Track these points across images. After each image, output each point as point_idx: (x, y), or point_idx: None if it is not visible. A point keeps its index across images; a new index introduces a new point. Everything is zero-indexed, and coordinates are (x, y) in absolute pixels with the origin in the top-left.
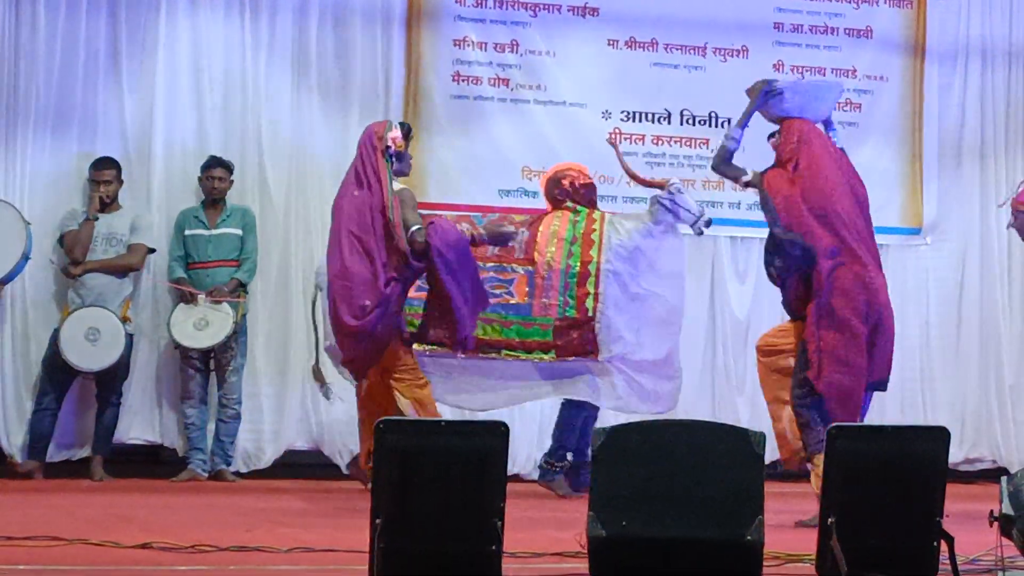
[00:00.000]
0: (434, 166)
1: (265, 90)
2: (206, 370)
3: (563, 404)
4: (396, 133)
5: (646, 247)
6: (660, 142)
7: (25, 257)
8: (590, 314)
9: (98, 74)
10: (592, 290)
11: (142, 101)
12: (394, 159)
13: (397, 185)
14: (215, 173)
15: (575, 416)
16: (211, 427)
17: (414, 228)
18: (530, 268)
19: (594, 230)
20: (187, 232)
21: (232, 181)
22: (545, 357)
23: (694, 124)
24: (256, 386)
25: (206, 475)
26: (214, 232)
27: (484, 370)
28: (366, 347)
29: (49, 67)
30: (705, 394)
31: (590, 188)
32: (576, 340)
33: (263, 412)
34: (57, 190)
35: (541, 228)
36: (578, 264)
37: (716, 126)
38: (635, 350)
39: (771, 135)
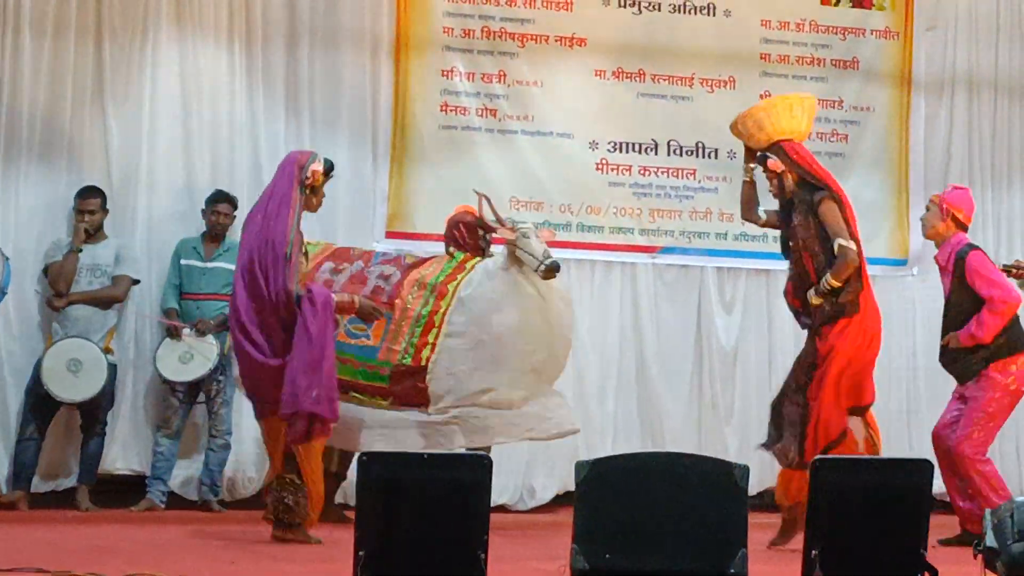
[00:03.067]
0: (422, 196)
1: (254, 118)
2: (191, 402)
3: None
4: (317, 167)
5: (491, 293)
6: (647, 172)
7: (2, 292)
8: (423, 364)
9: (85, 104)
10: (431, 340)
11: (129, 131)
12: (308, 191)
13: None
14: (220, 208)
15: None
16: (196, 458)
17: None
18: (389, 313)
19: (455, 279)
20: (183, 262)
21: (235, 216)
22: (383, 403)
23: (681, 155)
24: (240, 415)
25: (163, 505)
26: (209, 265)
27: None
28: (265, 386)
29: (35, 97)
30: (692, 425)
31: (470, 229)
32: (409, 389)
33: (246, 442)
34: (43, 220)
35: (413, 274)
36: (428, 313)
37: (703, 156)
38: (469, 393)
39: (761, 161)
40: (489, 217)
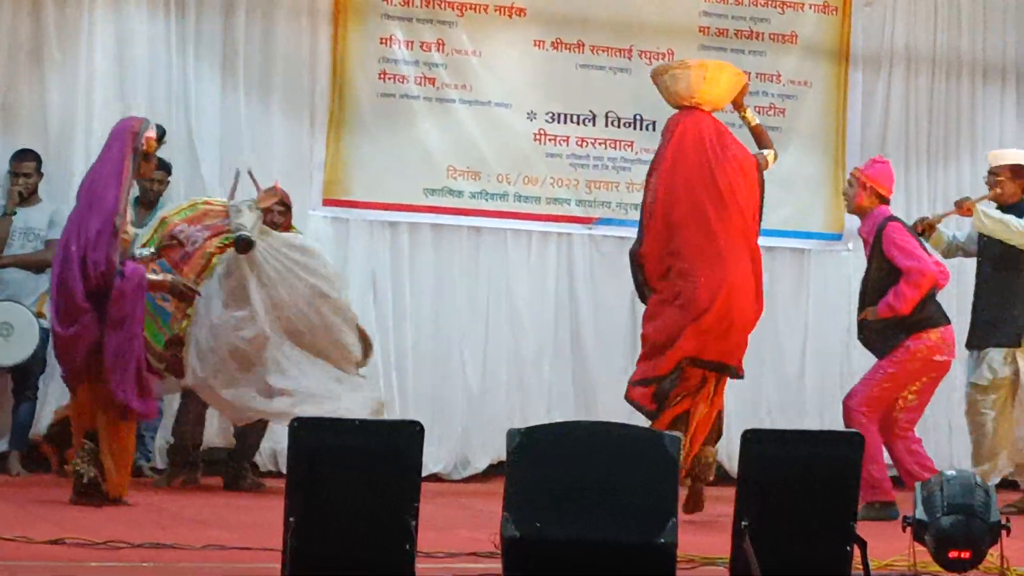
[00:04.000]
0: (359, 164)
1: (191, 87)
2: None
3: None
4: (151, 133)
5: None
6: (585, 144)
7: None
8: (181, 334)
9: (20, 67)
10: (190, 312)
11: (65, 95)
12: (141, 160)
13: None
14: (155, 175)
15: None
16: None
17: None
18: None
19: (222, 251)
20: None
21: (169, 182)
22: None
23: (619, 126)
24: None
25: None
26: (141, 231)
27: None
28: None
29: None
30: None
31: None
32: (170, 358)
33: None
34: None
35: (211, 240)
36: (194, 281)
37: (641, 129)
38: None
39: None
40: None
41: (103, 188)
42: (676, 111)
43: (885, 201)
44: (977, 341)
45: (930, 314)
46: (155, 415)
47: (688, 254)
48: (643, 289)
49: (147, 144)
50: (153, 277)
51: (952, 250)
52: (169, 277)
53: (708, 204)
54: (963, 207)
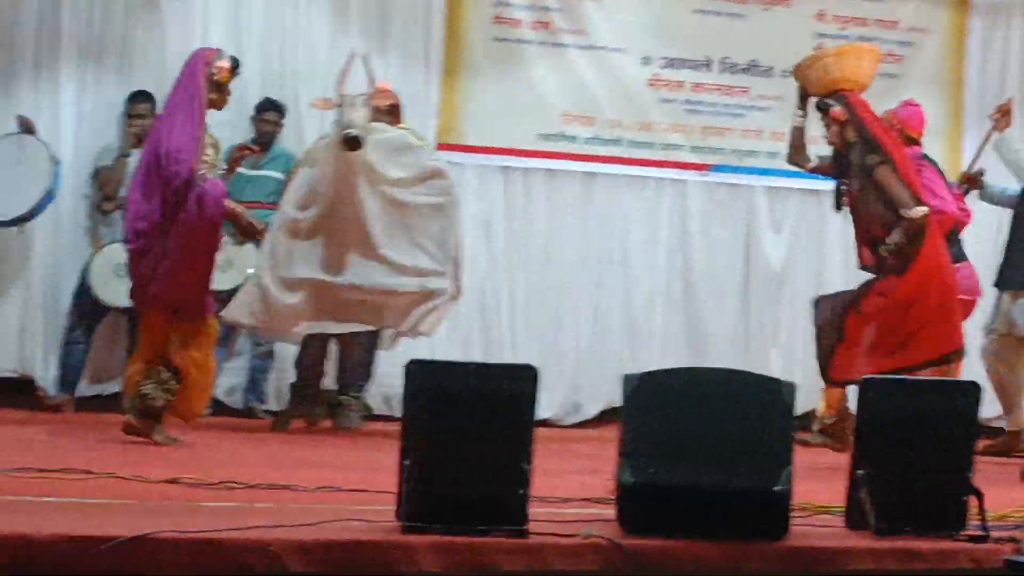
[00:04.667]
0: (473, 109)
1: (305, 29)
2: None
3: None
4: (224, 63)
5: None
6: (699, 89)
7: (49, 195)
8: None
9: (137, 9)
10: None
11: (181, 37)
12: (215, 89)
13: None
14: (268, 116)
15: None
16: (243, 364)
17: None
18: None
19: None
20: None
21: (283, 125)
22: None
23: (734, 72)
24: None
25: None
26: (254, 173)
27: None
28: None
29: (89, 1)
30: (737, 344)
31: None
32: None
33: (289, 350)
34: (95, 124)
35: None
36: None
37: (756, 74)
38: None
39: (820, 107)
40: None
41: (182, 111)
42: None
43: (915, 142)
44: (1005, 283)
45: (952, 255)
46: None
47: None
48: None
49: (220, 73)
50: (232, 205)
51: (1004, 202)
52: (241, 208)
53: None
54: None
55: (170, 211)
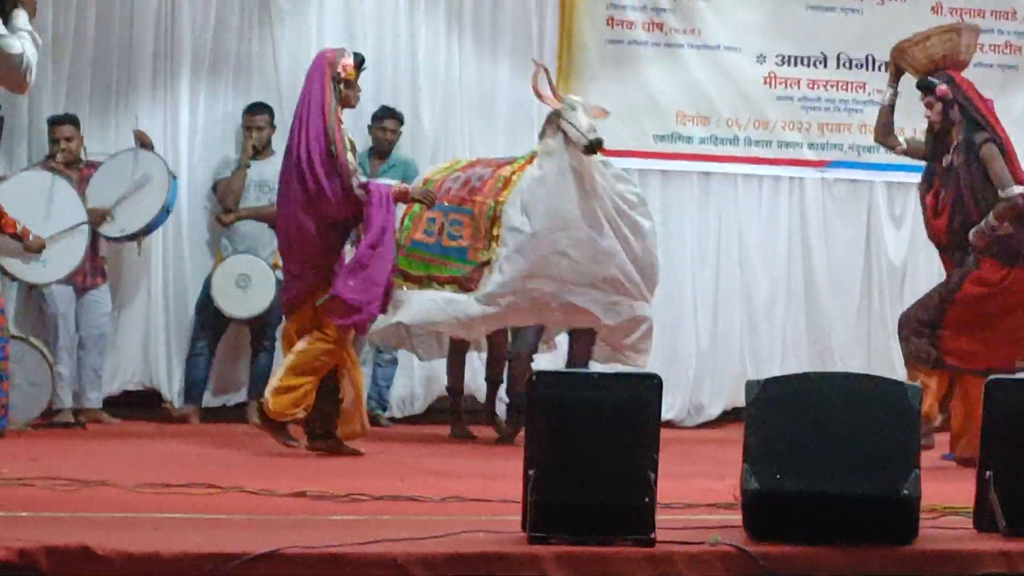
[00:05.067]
0: None
1: (417, 37)
2: None
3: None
4: (348, 60)
5: (538, 188)
6: (815, 86)
7: (166, 210)
8: (493, 256)
9: (253, 21)
10: (497, 232)
11: (295, 47)
12: (342, 87)
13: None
14: (387, 124)
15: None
16: (367, 372)
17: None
18: (471, 210)
19: (524, 169)
20: None
21: (400, 132)
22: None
23: (850, 68)
24: None
25: None
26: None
27: None
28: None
29: (205, 14)
30: (860, 341)
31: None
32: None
33: (413, 358)
34: (212, 137)
35: (498, 171)
36: (494, 203)
37: (873, 70)
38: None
39: (925, 87)
40: (545, 90)
41: (313, 121)
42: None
43: None
44: None
45: None
46: (364, 328)
47: None
48: None
49: (345, 71)
50: (394, 188)
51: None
52: (406, 185)
53: None
54: None
55: (329, 224)
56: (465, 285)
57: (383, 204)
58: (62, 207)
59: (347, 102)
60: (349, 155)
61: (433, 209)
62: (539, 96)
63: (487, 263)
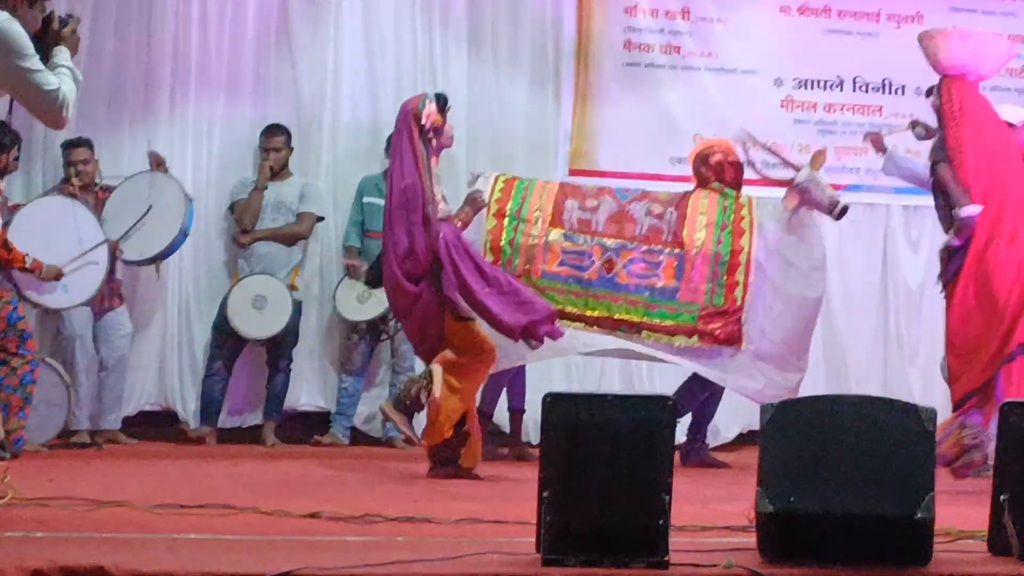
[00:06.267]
0: (604, 134)
1: (435, 58)
2: (374, 340)
3: (691, 378)
4: (431, 108)
5: (787, 240)
6: (832, 110)
7: (183, 233)
8: (738, 304)
9: (270, 42)
10: (741, 280)
11: (314, 69)
12: (432, 135)
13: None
14: None
15: (699, 392)
16: (379, 394)
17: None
18: (678, 251)
19: (743, 217)
20: (365, 199)
21: None
22: (688, 342)
23: (867, 91)
24: None
25: (347, 441)
26: None
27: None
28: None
29: (220, 35)
30: (876, 365)
31: (737, 169)
32: (720, 329)
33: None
34: (229, 158)
35: (689, 210)
36: (728, 252)
37: (889, 93)
38: (772, 342)
39: (928, 91)
40: (753, 155)
41: (407, 177)
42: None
43: None
44: None
45: None
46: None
47: None
48: None
49: (430, 120)
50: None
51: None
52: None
53: None
54: None
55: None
56: (711, 334)
57: (455, 243)
58: (84, 231)
59: (440, 147)
60: (442, 205)
61: (569, 239)
62: (777, 155)
63: (721, 309)
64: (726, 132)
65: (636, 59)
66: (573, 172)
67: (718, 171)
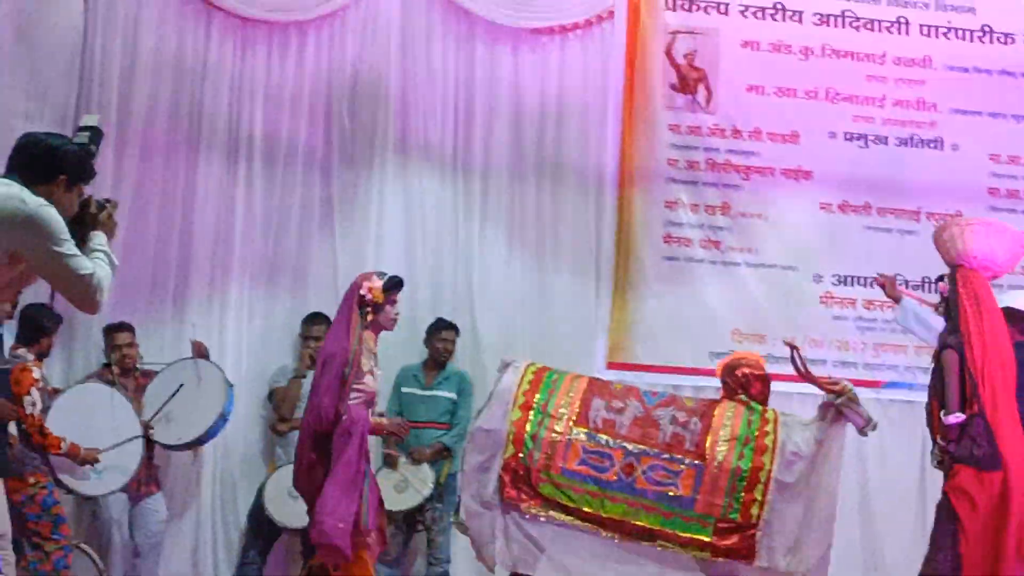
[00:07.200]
0: (643, 327)
1: (476, 249)
2: (409, 530)
3: None
4: (374, 283)
5: (815, 452)
6: (872, 307)
7: (223, 418)
8: (753, 520)
9: (313, 231)
10: (759, 497)
11: (354, 256)
12: (370, 310)
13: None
14: (444, 335)
15: None
16: None
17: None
18: (699, 463)
19: (767, 433)
20: (403, 389)
21: (456, 344)
22: (700, 554)
23: (907, 288)
24: (464, 545)
25: None
26: (428, 393)
27: (641, 552)
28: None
29: (266, 221)
30: (915, 558)
31: (764, 383)
32: (735, 544)
33: (463, 572)
34: (269, 343)
35: (714, 421)
36: (748, 468)
37: (929, 291)
38: (789, 555)
39: (940, 278)
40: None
41: (334, 341)
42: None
43: None
44: None
45: None
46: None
47: None
48: None
49: (371, 294)
50: (373, 420)
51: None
52: (385, 420)
53: None
54: None
55: (319, 441)
56: (725, 550)
57: (361, 438)
58: (120, 420)
59: (378, 326)
60: (368, 379)
61: (592, 440)
62: (811, 380)
63: (737, 524)
64: (765, 327)
65: (676, 253)
66: (612, 365)
67: (744, 384)
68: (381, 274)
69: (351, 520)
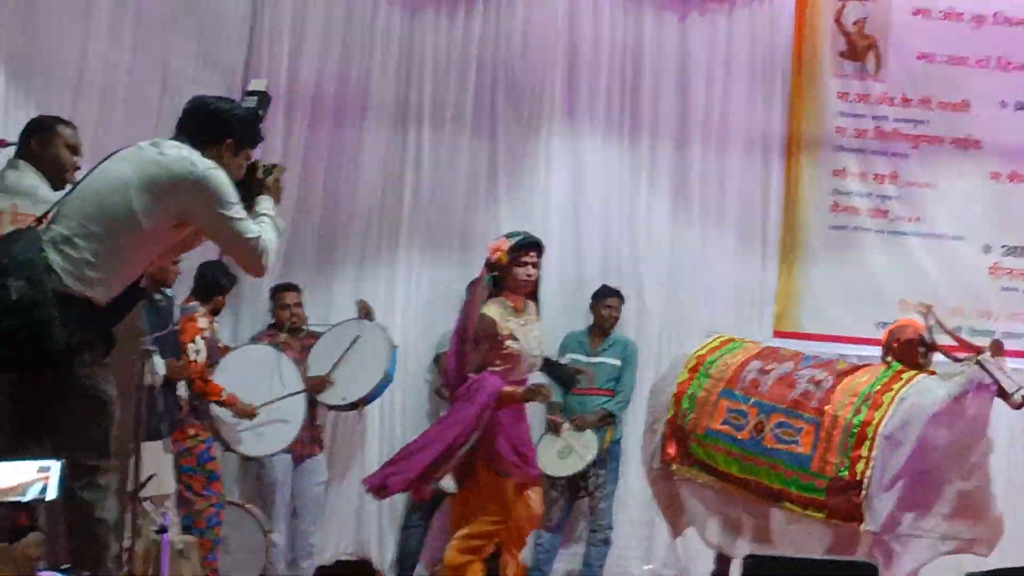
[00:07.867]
0: (810, 296)
1: (643, 215)
2: (572, 496)
3: None
4: (502, 244)
5: (944, 410)
6: None
7: (387, 379)
8: (858, 478)
9: (479, 195)
10: (866, 454)
11: (520, 221)
12: (497, 273)
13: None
14: (609, 302)
15: None
16: (577, 551)
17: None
18: (818, 419)
19: (891, 389)
20: (568, 355)
21: (621, 311)
22: (817, 516)
23: None
24: (626, 512)
25: None
26: (592, 360)
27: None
28: None
29: (434, 188)
30: None
31: (910, 344)
32: (844, 504)
33: (626, 538)
34: (435, 310)
35: (845, 379)
36: (860, 423)
37: None
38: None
39: None
40: (936, 331)
41: (463, 311)
42: None
43: None
44: None
45: None
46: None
47: None
48: None
49: (495, 256)
50: (507, 389)
51: None
52: (517, 389)
53: None
54: None
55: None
56: (837, 509)
57: (486, 401)
58: (287, 381)
59: (513, 288)
60: (510, 343)
61: (734, 399)
62: (930, 347)
63: (846, 482)
64: (932, 297)
65: (843, 222)
66: (778, 334)
67: (892, 347)
68: (512, 234)
69: (410, 475)
